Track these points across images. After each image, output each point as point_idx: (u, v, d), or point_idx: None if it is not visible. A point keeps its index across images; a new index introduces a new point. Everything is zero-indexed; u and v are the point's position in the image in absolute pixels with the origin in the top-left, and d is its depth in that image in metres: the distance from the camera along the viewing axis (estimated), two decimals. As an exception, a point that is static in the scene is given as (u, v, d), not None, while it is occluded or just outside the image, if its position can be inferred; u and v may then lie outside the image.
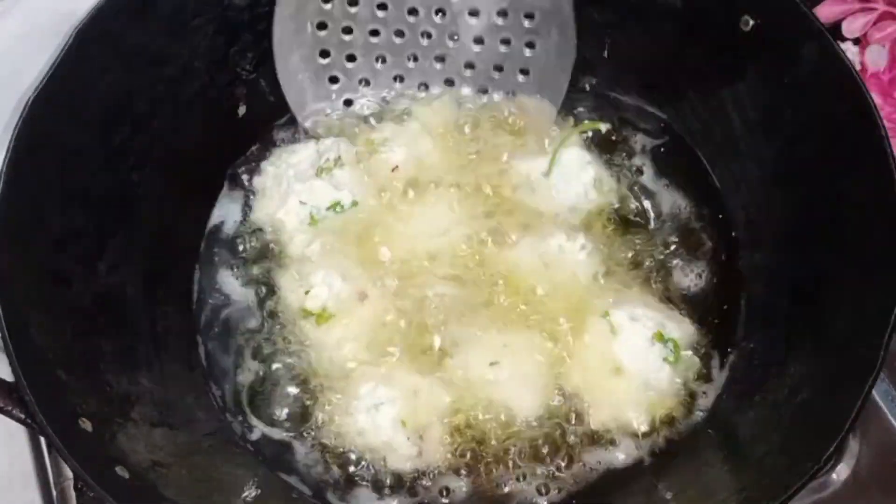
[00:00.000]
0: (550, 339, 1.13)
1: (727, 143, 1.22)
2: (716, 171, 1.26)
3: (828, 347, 1.00)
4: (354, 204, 1.19)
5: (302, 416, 1.12)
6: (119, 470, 0.91)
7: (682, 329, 1.13)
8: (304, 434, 1.11)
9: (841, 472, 1.12)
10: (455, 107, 1.31)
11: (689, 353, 1.13)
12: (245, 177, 1.27)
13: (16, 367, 0.88)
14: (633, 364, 1.09)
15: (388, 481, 1.08)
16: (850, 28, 1.35)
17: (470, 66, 1.29)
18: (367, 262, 1.18)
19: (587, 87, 1.32)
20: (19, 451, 1.15)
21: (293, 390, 1.13)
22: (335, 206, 1.19)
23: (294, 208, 1.19)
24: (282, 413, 1.13)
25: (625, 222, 1.23)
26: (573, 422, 1.10)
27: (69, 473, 1.11)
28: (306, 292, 1.14)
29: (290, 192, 1.19)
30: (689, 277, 1.20)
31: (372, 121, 1.30)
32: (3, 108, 1.13)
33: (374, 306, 1.14)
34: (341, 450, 1.09)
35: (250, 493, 1.05)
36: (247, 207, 1.25)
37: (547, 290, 1.15)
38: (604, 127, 1.24)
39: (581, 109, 1.30)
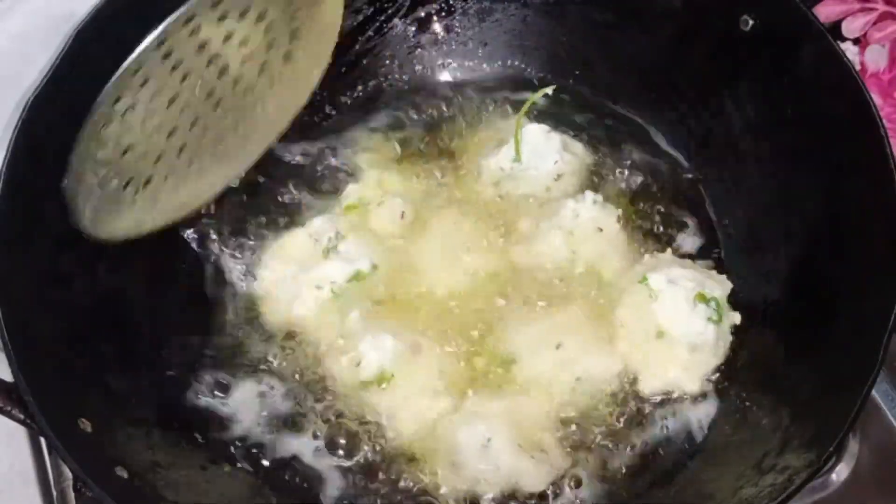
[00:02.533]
0: (594, 303, 1.13)
1: (727, 143, 1.22)
2: (715, 171, 1.26)
3: (828, 347, 1.00)
4: (375, 268, 1.15)
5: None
6: (118, 470, 0.91)
7: (723, 287, 1.12)
8: None
9: (841, 472, 1.12)
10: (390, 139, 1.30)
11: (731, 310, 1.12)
12: (235, 282, 1.20)
13: (15, 368, 0.88)
14: (677, 327, 1.08)
15: None
16: (850, 28, 1.35)
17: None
18: (407, 311, 1.14)
19: (586, 88, 1.32)
20: (19, 451, 1.15)
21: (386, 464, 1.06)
22: (356, 277, 1.14)
23: (310, 297, 1.13)
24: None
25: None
26: (629, 388, 1.10)
27: (69, 474, 1.11)
28: (357, 364, 1.08)
29: (300, 284, 1.14)
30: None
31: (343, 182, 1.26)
32: (3, 108, 1.13)
33: (429, 352, 1.10)
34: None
35: None
36: (252, 311, 1.18)
37: (582, 258, 1.16)
38: (550, 90, 1.22)
39: (577, 115, 1.31)
